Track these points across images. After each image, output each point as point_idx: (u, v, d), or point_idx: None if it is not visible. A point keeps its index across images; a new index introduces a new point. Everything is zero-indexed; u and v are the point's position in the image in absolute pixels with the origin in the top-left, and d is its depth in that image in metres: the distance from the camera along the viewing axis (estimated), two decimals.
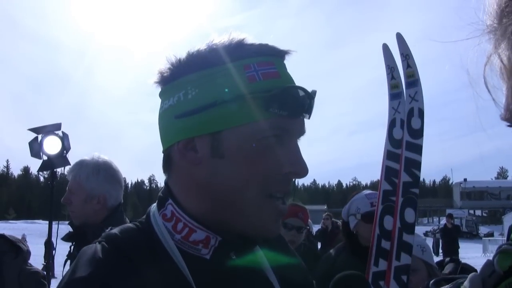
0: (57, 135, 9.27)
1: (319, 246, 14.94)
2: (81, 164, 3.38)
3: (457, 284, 1.35)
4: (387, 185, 2.25)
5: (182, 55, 1.30)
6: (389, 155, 2.39)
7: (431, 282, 1.47)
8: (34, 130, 9.23)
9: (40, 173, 10.98)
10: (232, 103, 1.21)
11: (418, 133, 2.33)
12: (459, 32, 0.70)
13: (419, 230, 49.31)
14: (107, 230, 1.32)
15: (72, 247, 3.25)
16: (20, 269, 3.93)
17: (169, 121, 1.29)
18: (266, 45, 1.30)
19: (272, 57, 1.29)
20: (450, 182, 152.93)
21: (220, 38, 1.29)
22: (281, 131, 1.23)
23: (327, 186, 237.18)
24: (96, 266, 1.16)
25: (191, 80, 1.26)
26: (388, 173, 2.32)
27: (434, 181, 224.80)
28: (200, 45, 1.31)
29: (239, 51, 1.26)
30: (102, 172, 3.35)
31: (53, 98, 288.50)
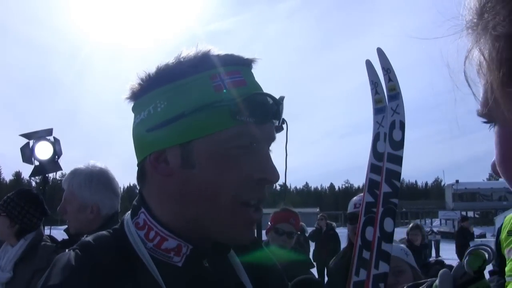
0: (48, 140, 9.34)
1: (312, 247, 15.01)
2: (74, 173, 3.37)
3: (430, 283, 1.40)
4: (369, 197, 2.30)
5: (152, 69, 1.33)
6: (373, 168, 2.44)
7: (406, 286, 1.52)
8: (25, 135, 9.28)
9: (32, 178, 10.95)
10: (200, 113, 1.23)
11: (399, 145, 2.38)
12: (439, 28, 0.72)
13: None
14: (83, 238, 1.36)
15: None
16: None
17: (141, 135, 1.33)
18: (232, 55, 1.33)
19: (238, 66, 1.31)
20: (442, 183, 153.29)
21: (188, 50, 1.32)
22: (249, 138, 1.25)
23: (319, 188, 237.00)
24: (68, 274, 1.18)
25: (159, 94, 1.29)
26: (371, 185, 2.37)
27: (426, 183, 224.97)
28: (169, 59, 1.33)
29: (205, 62, 1.29)
30: (95, 181, 3.31)
31: (44, 103, 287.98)
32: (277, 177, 1.30)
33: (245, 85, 1.28)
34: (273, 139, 1.34)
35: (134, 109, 1.37)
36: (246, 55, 1.36)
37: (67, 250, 1.31)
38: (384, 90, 2.62)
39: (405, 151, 2.47)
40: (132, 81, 1.35)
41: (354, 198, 4.25)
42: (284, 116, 1.38)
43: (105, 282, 1.17)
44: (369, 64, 2.60)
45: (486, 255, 1.33)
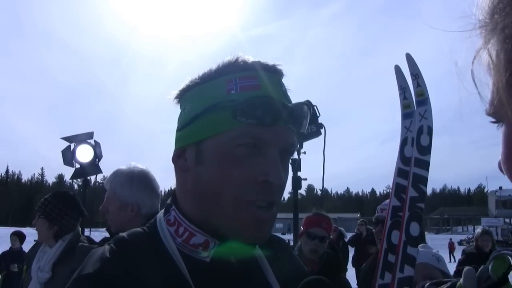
0: (89, 143, 9.46)
1: (352, 252, 14.91)
2: (116, 173, 3.42)
3: (453, 283, 1.41)
4: (396, 201, 2.31)
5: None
6: (400, 173, 2.45)
7: (427, 283, 1.52)
8: (67, 139, 9.42)
9: (74, 180, 11.17)
10: (208, 114, 1.28)
11: (426, 150, 2.38)
12: (452, 23, 0.69)
13: (454, 238, 48.51)
14: (110, 237, 1.42)
15: None
16: None
17: (176, 135, 1.41)
18: (258, 62, 1.35)
19: (258, 71, 1.33)
20: (485, 190, 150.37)
21: (229, 57, 1.36)
22: (253, 139, 1.26)
23: (360, 194, 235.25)
24: (102, 264, 1.23)
25: (188, 97, 1.37)
26: (398, 189, 2.38)
27: (469, 189, 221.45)
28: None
29: (227, 67, 1.33)
30: (136, 180, 3.36)
31: (87, 108, 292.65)
32: (279, 181, 1.30)
33: (258, 89, 1.30)
34: (288, 144, 1.34)
35: (180, 107, 1.44)
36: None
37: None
38: (412, 95, 2.62)
39: (448, 156, 2.48)
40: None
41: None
42: (322, 121, 1.40)
43: (135, 274, 1.23)
44: (398, 70, 2.60)
45: (511, 260, 1.33)
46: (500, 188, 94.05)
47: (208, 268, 1.32)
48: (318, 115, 5.33)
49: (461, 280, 1.37)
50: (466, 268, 1.39)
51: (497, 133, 0.69)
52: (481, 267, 1.40)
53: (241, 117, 1.24)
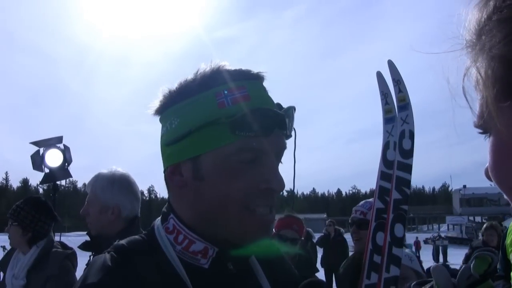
0: (58, 148, 9.40)
1: (320, 253, 15.04)
2: (97, 176, 3.47)
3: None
4: (380, 203, 2.36)
5: (173, 86, 1.42)
6: (383, 176, 2.51)
7: (413, 283, 1.59)
8: (36, 143, 9.37)
9: (40, 185, 11.05)
10: (204, 130, 1.31)
11: (408, 154, 2.45)
12: (443, 44, 0.78)
13: (420, 237, 49.10)
14: (116, 242, 1.44)
15: (91, 257, 3.28)
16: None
17: (162, 148, 1.43)
18: (240, 71, 1.40)
19: (245, 81, 1.38)
20: (450, 189, 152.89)
21: (204, 66, 1.40)
22: (251, 151, 1.33)
23: (326, 194, 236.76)
24: (105, 273, 1.27)
25: (174, 111, 1.39)
26: (381, 192, 2.45)
27: (433, 188, 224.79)
28: (190, 74, 1.41)
29: (213, 79, 1.36)
30: (117, 184, 3.41)
31: (51, 110, 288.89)
32: (282, 187, 1.37)
33: (249, 100, 1.34)
34: (281, 148, 1.41)
35: (160, 121, 1.46)
36: (255, 69, 1.42)
37: (105, 253, 1.39)
38: (394, 101, 2.71)
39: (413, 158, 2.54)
40: (156, 97, 1.44)
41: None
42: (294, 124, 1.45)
43: (137, 282, 1.27)
44: (379, 76, 2.68)
45: (491, 259, 1.40)
46: (464, 186, 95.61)
47: (207, 275, 1.36)
48: None
49: (434, 277, 1.44)
50: (433, 266, 1.46)
51: (460, 132, 0.77)
52: (463, 265, 1.47)
53: (239, 131, 1.29)
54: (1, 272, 4.61)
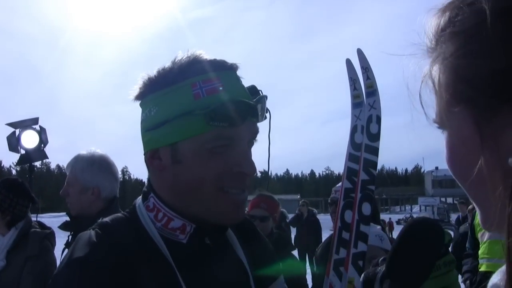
0: (34, 129, 9.30)
1: (294, 233, 15.14)
2: (77, 158, 3.49)
3: None
4: (348, 183, 2.49)
5: (152, 73, 1.50)
6: (351, 157, 2.64)
7: (380, 259, 1.71)
8: (11, 124, 9.22)
9: (13, 166, 11.02)
10: (181, 119, 1.40)
11: (375, 137, 2.59)
12: (405, 48, 0.83)
13: (393, 218, 49.61)
14: (99, 220, 1.53)
15: (70, 236, 3.32)
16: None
17: (142, 133, 1.53)
18: (215, 61, 1.48)
19: (219, 72, 1.45)
20: (422, 170, 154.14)
21: (182, 54, 1.48)
22: (225, 139, 1.43)
23: (300, 175, 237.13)
24: (91, 249, 1.37)
25: (153, 99, 1.48)
26: (350, 173, 2.57)
27: (406, 170, 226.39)
28: (167, 62, 1.50)
29: (189, 70, 1.45)
30: (96, 164, 3.43)
31: (25, 91, 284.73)
32: (253, 171, 1.48)
33: (222, 91, 1.43)
34: (253, 134, 1.52)
35: (140, 106, 1.56)
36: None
37: (90, 229, 1.49)
38: (362, 87, 2.80)
39: (385, 138, 2.67)
40: (136, 83, 1.53)
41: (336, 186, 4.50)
42: (267, 106, 1.56)
43: (121, 256, 1.37)
44: (348, 63, 2.78)
45: (452, 233, 1.54)
46: (436, 168, 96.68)
47: (186, 249, 1.47)
48: None
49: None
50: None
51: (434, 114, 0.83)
52: None
53: (213, 121, 1.38)
54: None
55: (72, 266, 1.36)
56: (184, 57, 1.47)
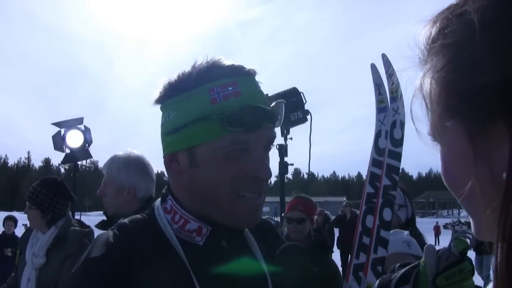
0: (79, 129, 9.47)
1: (337, 234, 15.07)
2: (113, 158, 3.55)
3: (419, 262, 1.61)
4: (370, 188, 2.48)
5: (173, 77, 1.53)
6: (374, 162, 2.63)
7: (397, 265, 1.71)
8: (57, 124, 9.42)
9: (62, 165, 11.20)
10: (198, 124, 1.42)
11: (399, 142, 2.57)
12: (401, 62, 0.80)
13: (440, 222, 48.67)
14: (119, 221, 1.58)
15: None
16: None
17: (162, 137, 1.56)
18: (232, 66, 1.50)
19: (236, 77, 1.47)
20: None
21: (201, 59, 1.50)
22: (241, 144, 1.44)
23: (346, 177, 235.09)
24: (107, 249, 1.41)
25: (172, 103, 1.51)
26: (372, 178, 2.56)
27: None
28: (188, 66, 1.51)
29: (207, 75, 1.47)
30: (132, 165, 3.48)
31: (72, 91, 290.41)
32: (269, 175, 1.50)
33: (239, 95, 1.45)
34: (270, 139, 1.53)
35: (160, 110, 1.59)
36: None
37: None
38: (386, 92, 2.78)
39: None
40: (158, 87, 1.56)
41: None
42: (308, 107, 1.58)
43: (137, 257, 1.40)
44: (373, 68, 2.77)
45: (469, 241, 1.53)
46: None
47: (202, 251, 1.49)
48: (304, 101, 5.45)
49: (424, 256, 1.57)
50: (427, 244, 1.59)
51: None
52: (442, 248, 1.60)
53: (230, 127, 1.40)
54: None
55: (88, 265, 1.41)
56: (204, 62, 1.49)
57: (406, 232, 3.15)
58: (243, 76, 1.49)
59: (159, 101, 1.56)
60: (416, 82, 0.80)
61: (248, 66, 1.53)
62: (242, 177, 1.45)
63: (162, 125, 1.55)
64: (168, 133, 1.50)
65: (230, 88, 1.44)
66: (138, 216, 1.60)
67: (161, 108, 1.56)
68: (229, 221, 1.51)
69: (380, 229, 2.41)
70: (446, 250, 1.57)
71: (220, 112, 1.40)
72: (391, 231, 2.73)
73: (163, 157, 1.57)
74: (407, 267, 1.66)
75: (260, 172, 1.47)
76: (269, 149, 1.55)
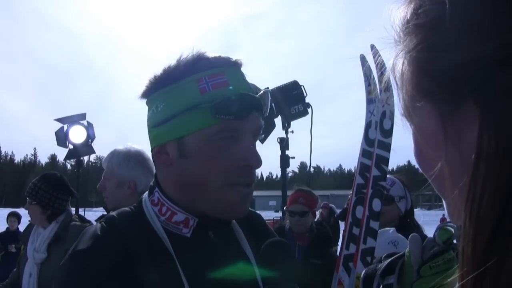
0: (82, 124, 9.46)
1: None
2: (113, 153, 3.57)
3: (404, 252, 1.62)
4: (360, 179, 2.49)
5: (159, 71, 1.54)
6: (364, 153, 2.63)
7: (384, 255, 1.72)
8: (60, 120, 9.41)
9: (67, 161, 11.22)
10: (187, 114, 1.44)
11: (388, 133, 2.57)
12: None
13: (446, 214, 48.36)
14: (107, 214, 1.60)
15: None
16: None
17: (149, 130, 1.57)
18: (219, 58, 1.52)
19: (223, 67, 1.49)
20: None
21: (187, 53, 1.52)
22: (231, 132, 1.46)
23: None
24: (94, 241, 1.42)
25: (159, 95, 1.52)
26: (362, 168, 2.56)
27: None
28: (173, 60, 1.53)
29: (195, 66, 1.48)
30: (132, 159, 3.50)
31: (78, 87, 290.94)
32: (259, 164, 1.51)
33: (227, 85, 1.47)
34: (258, 128, 1.54)
35: (147, 104, 1.60)
36: (233, 56, 1.55)
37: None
38: (376, 83, 2.78)
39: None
40: (144, 81, 1.58)
41: None
42: (314, 101, 1.58)
43: (123, 249, 1.41)
44: (363, 59, 2.77)
45: (453, 230, 1.55)
46: None
47: (189, 243, 1.51)
48: (305, 94, 5.44)
49: (409, 246, 1.58)
50: (411, 234, 1.60)
51: None
52: (427, 237, 1.62)
53: (219, 115, 1.41)
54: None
55: (74, 258, 1.42)
56: (189, 55, 1.51)
57: (391, 230, 3.13)
58: (230, 67, 1.51)
59: (145, 95, 1.57)
60: (389, 63, 0.79)
61: (249, 61, 1.56)
62: (233, 167, 1.46)
63: (149, 118, 1.56)
64: (156, 125, 1.51)
65: (219, 78, 1.46)
66: (126, 208, 1.62)
67: (147, 102, 1.58)
68: (218, 212, 1.52)
69: (369, 220, 2.43)
70: (430, 240, 1.58)
71: (210, 100, 1.42)
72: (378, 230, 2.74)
73: (151, 150, 1.58)
74: (392, 257, 1.68)
75: (250, 161, 1.48)
76: (257, 138, 1.56)
